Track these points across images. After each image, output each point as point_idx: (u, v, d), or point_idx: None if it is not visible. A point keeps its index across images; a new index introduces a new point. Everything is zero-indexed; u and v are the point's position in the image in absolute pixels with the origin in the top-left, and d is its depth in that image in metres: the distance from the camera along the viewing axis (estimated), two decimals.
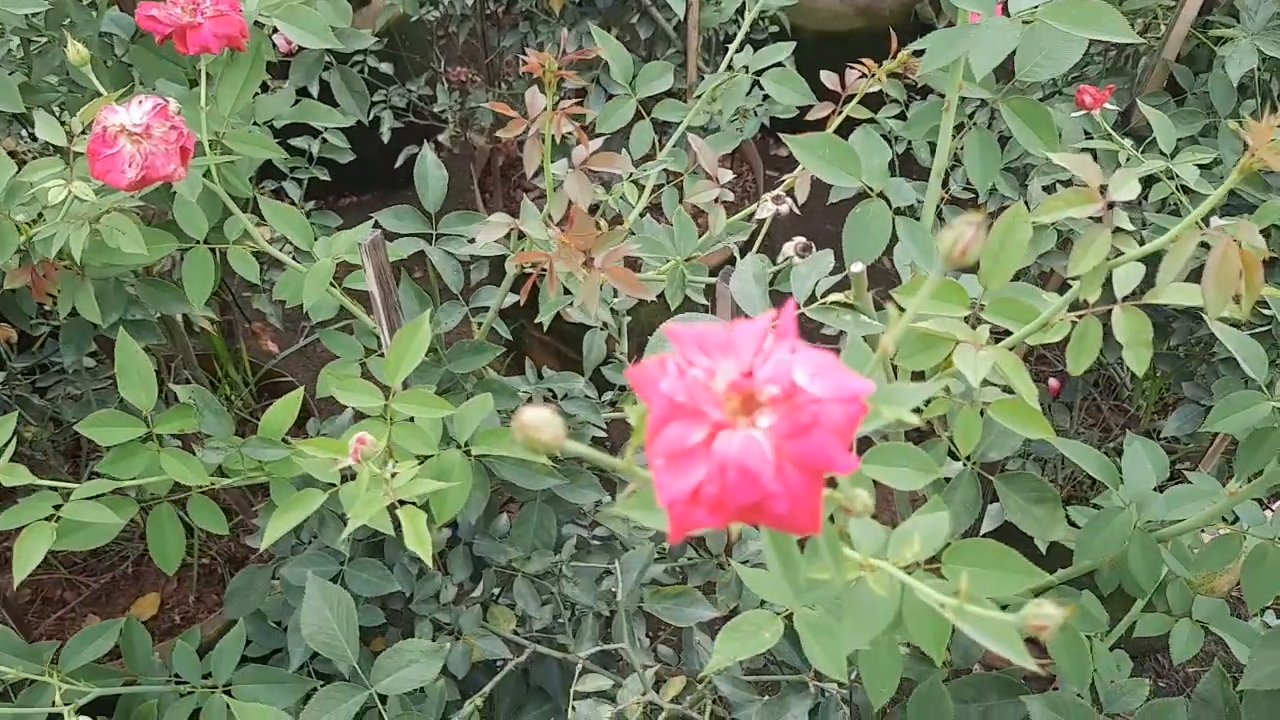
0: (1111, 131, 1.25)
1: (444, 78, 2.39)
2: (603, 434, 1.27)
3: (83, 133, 0.90)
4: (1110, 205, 0.64)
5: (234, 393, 2.00)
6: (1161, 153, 1.27)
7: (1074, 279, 0.71)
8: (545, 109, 0.89)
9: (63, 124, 0.91)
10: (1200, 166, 1.26)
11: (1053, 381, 2.01)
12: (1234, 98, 1.42)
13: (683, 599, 1.14)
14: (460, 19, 2.20)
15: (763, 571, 0.78)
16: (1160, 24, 1.53)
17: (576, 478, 1.18)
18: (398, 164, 2.52)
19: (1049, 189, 1.43)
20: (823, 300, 0.81)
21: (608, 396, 1.30)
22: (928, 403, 0.83)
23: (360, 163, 1.59)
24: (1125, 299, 0.70)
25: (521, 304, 1.02)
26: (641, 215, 1.17)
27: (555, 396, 1.22)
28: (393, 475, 0.81)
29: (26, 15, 1.01)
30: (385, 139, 2.27)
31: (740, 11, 1.96)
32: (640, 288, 0.86)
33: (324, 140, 1.73)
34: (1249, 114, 1.43)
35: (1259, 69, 1.39)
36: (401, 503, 0.82)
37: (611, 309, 1.23)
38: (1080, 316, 0.72)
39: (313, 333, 2.40)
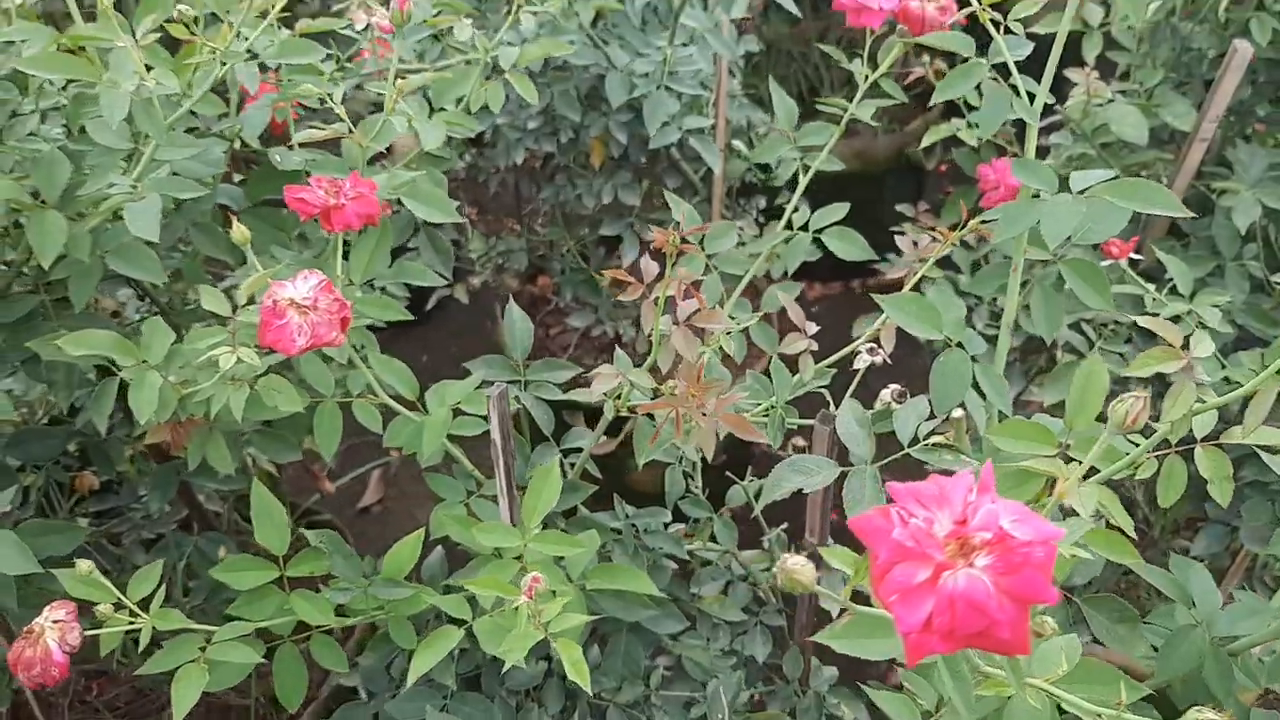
0: (1136, 277, 1.38)
1: (476, 225, 2.53)
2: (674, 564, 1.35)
3: (248, 304, 1.00)
4: (1190, 361, 0.75)
5: None
6: (1179, 294, 1.40)
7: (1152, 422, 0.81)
8: (661, 275, 1.00)
9: (226, 293, 1.01)
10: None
11: None
12: (1238, 243, 1.56)
13: None
14: (497, 171, 2.34)
15: (890, 693, 0.86)
16: (1161, 175, 1.68)
17: (664, 607, 1.26)
18: (429, 306, 2.66)
19: (1076, 326, 1.56)
20: (925, 441, 0.91)
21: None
22: None
23: None
24: (1204, 439, 0.80)
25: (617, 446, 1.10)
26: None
27: (638, 531, 1.30)
28: (540, 612, 0.89)
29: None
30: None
31: (764, 168, 2.13)
32: (753, 431, 0.96)
33: (383, 290, 1.85)
34: (1251, 258, 1.57)
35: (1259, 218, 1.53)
36: (551, 637, 0.89)
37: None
38: (1163, 455, 0.82)
39: (346, 471, 2.48)
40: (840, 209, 1.33)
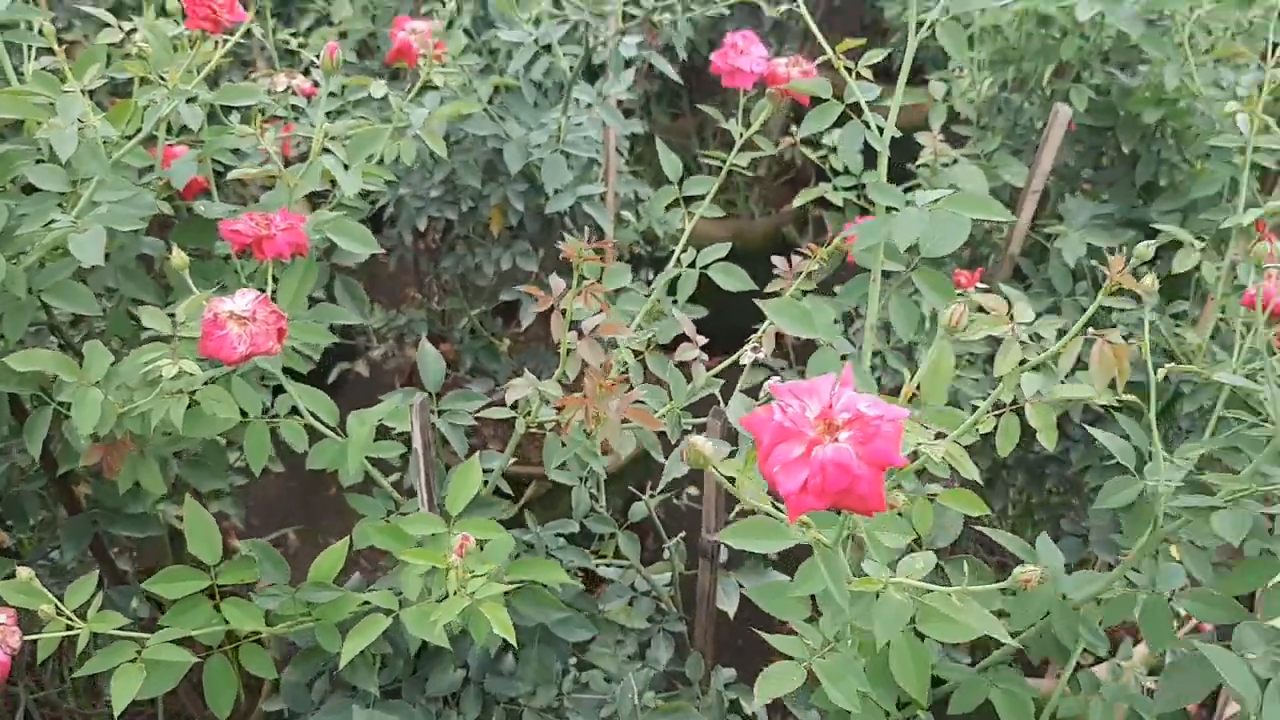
0: (980, 303, 1.56)
1: (376, 301, 2.62)
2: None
3: (184, 322, 1.09)
4: (1017, 324, 0.90)
5: None
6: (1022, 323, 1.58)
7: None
8: (568, 289, 1.13)
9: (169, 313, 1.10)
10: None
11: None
12: (1070, 281, 1.77)
13: (679, 715, 1.30)
14: (395, 249, 2.45)
15: (782, 636, 0.97)
16: (1003, 226, 1.89)
17: (572, 615, 1.35)
18: (330, 379, 2.73)
19: None
20: None
21: None
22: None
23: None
24: (1033, 398, 0.95)
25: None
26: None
27: (549, 548, 1.39)
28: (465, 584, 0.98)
29: None
30: (316, 356, 2.46)
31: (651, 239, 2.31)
32: (654, 422, 1.07)
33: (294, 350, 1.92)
34: (1082, 294, 1.78)
35: (1085, 258, 1.74)
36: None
37: (592, 471, 1.43)
38: (1000, 414, 0.97)
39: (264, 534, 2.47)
40: (723, 248, 1.48)
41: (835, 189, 2.02)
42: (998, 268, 1.88)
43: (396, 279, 3.02)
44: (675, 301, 1.52)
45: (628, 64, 1.84)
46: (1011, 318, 0.93)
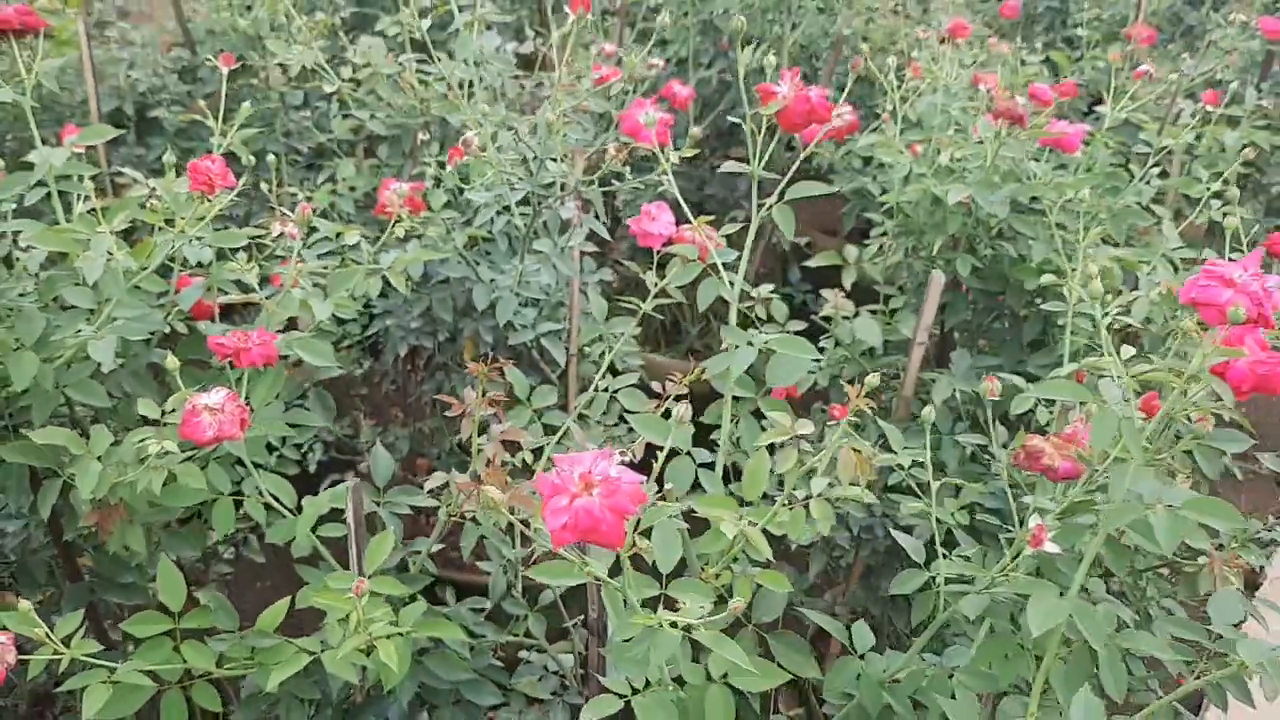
0: (852, 432, 1.82)
1: (366, 418, 2.93)
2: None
3: (171, 412, 1.38)
4: (796, 435, 1.18)
5: None
6: (893, 451, 1.85)
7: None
8: (476, 398, 1.41)
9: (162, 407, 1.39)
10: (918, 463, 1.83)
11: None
12: (950, 421, 2.03)
13: None
14: (387, 374, 2.76)
15: (612, 679, 1.21)
16: (900, 372, 2.17)
17: (483, 681, 1.59)
18: (322, 489, 3.00)
19: None
20: None
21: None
22: (719, 575, 1.31)
23: None
24: (819, 494, 1.22)
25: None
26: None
27: (466, 624, 1.64)
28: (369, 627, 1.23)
29: None
30: (312, 469, 2.75)
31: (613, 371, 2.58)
32: (533, 505, 1.34)
33: (280, 456, 2.21)
34: (961, 432, 2.04)
35: (963, 400, 2.02)
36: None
37: (510, 560, 1.69)
38: (792, 507, 1.23)
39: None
40: (632, 377, 1.77)
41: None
42: (897, 408, 2.15)
43: (390, 400, 3.33)
44: (622, 419, 1.81)
45: (584, 219, 2.17)
46: (794, 430, 1.21)
